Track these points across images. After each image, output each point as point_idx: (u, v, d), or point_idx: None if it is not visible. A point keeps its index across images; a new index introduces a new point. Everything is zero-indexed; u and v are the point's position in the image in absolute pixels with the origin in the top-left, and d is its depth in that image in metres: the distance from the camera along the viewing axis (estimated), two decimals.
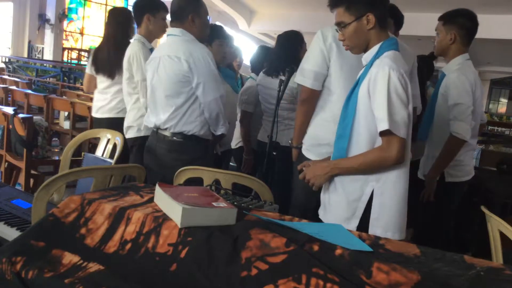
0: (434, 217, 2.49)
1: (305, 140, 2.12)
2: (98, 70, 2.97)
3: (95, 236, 1.17)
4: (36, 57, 12.88)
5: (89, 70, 3.08)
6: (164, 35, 2.64)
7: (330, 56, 1.98)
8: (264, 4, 14.32)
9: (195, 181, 1.92)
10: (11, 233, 1.67)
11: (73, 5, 14.41)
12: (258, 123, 3.09)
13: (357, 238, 1.19)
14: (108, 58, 2.89)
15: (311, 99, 2.05)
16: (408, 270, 0.96)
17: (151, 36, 2.75)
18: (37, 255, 1.12)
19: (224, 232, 1.12)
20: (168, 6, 2.40)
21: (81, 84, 9.97)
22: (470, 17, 2.37)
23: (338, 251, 1.05)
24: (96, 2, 15.12)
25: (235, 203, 1.38)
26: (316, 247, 1.07)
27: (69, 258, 1.11)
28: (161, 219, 1.17)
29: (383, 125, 1.50)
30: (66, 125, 5.07)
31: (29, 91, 6.02)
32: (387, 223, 1.61)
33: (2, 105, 5.77)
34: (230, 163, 3.40)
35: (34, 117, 3.27)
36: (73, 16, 14.56)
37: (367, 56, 1.65)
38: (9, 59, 11.80)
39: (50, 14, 13.29)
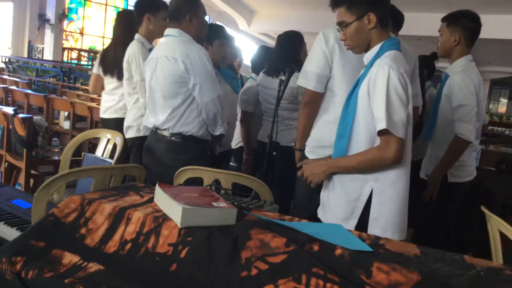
0: (435, 217, 2.49)
1: (308, 142, 2.11)
2: (106, 71, 2.97)
3: (95, 236, 1.17)
4: (36, 57, 12.89)
5: (96, 70, 3.08)
6: None
7: (333, 58, 1.97)
8: (264, 4, 14.32)
9: (195, 181, 1.92)
10: (11, 233, 1.67)
11: (73, 5, 14.42)
12: (259, 123, 3.09)
13: (357, 238, 1.19)
14: (116, 60, 2.89)
15: (314, 102, 2.05)
16: (408, 270, 0.96)
17: (152, 36, 2.74)
18: (37, 255, 1.12)
19: (224, 232, 1.12)
20: None
21: (81, 84, 9.99)
22: (474, 18, 2.37)
23: (338, 251, 1.05)
24: (96, 2, 15.13)
25: (235, 203, 1.38)
26: (316, 247, 1.07)
27: (69, 258, 1.11)
28: (161, 219, 1.17)
29: (381, 125, 1.50)
30: (66, 125, 5.07)
31: (29, 91, 6.02)
32: (386, 223, 1.61)
33: (2, 105, 5.78)
34: (230, 163, 3.41)
35: (34, 117, 3.27)
36: (73, 16, 14.57)
37: (368, 56, 1.65)
38: (9, 59, 11.80)
39: (50, 14, 13.29)
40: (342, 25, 1.64)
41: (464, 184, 2.46)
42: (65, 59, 13.80)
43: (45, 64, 11.49)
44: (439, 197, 2.40)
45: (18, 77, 9.33)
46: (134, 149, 2.71)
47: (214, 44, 2.76)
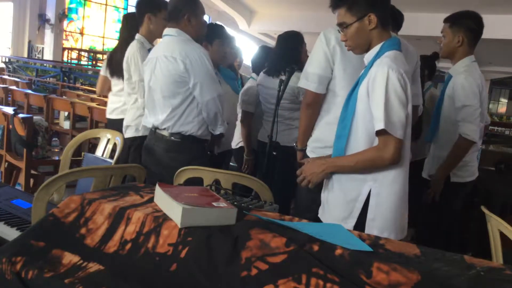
0: (437, 217, 2.50)
1: (309, 142, 2.11)
2: (113, 73, 2.97)
3: (95, 236, 1.17)
4: (36, 57, 12.89)
5: (103, 72, 3.09)
6: None
7: (334, 59, 1.97)
8: (264, 4, 14.32)
9: (195, 181, 1.92)
10: (11, 233, 1.67)
11: (73, 5, 14.41)
12: (259, 123, 3.09)
13: (357, 238, 1.19)
14: (122, 62, 2.89)
15: (315, 103, 2.04)
16: (408, 270, 0.97)
17: (152, 36, 2.74)
18: (37, 255, 1.12)
19: (224, 232, 1.12)
20: None
21: (81, 84, 9.99)
22: (477, 19, 2.38)
23: (338, 251, 1.05)
24: (96, 2, 15.12)
25: (235, 203, 1.38)
26: (316, 247, 1.07)
27: (69, 258, 1.11)
28: (161, 219, 1.17)
29: (379, 125, 1.50)
30: (66, 125, 5.07)
31: (29, 91, 6.02)
32: (383, 224, 1.61)
33: (2, 105, 5.77)
34: (230, 163, 3.40)
35: (34, 117, 3.27)
36: (73, 16, 14.56)
37: (368, 56, 1.65)
38: (9, 59, 11.80)
39: (50, 14, 13.29)
40: (342, 26, 1.64)
41: (466, 184, 2.47)
42: (65, 59, 13.80)
43: (45, 64, 11.49)
44: (441, 197, 2.41)
45: (18, 77, 9.33)
46: (132, 148, 2.71)
47: (214, 44, 2.76)
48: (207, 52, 2.28)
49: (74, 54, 14.39)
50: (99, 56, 14.41)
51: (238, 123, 3.18)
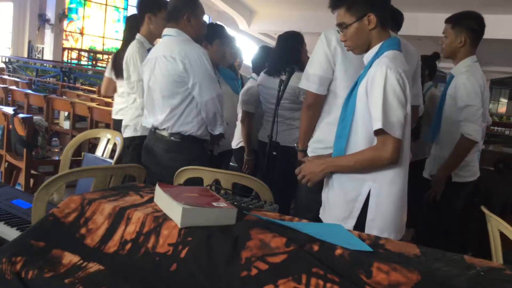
0: (437, 217, 2.50)
1: (310, 143, 2.11)
2: (117, 75, 2.97)
3: (95, 236, 1.17)
4: (36, 57, 12.90)
5: (108, 73, 3.09)
6: None
7: (335, 60, 1.96)
8: (264, 4, 14.32)
9: (195, 181, 1.92)
10: (11, 233, 1.67)
11: (73, 5, 14.42)
12: (259, 123, 3.09)
13: (357, 238, 1.19)
14: None
15: (316, 104, 2.04)
16: (408, 270, 0.96)
17: (152, 36, 2.74)
18: (37, 255, 1.12)
19: (224, 232, 1.12)
20: None
21: (81, 84, 10.00)
22: (479, 19, 2.38)
23: (338, 251, 1.05)
24: (96, 2, 15.12)
25: (235, 203, 1.38)
26: (316, 247, 1.07)
27: (69, 258, 1.11)
28: (161, 219, 1.17)
29: (377, 125, 1.50)
30: (66, 125, 5.07)
31: (29, 91, 6.02)
32: (383, 224, 1.61)
33: (2, 105, 5.78)
34: (230, 163, 3.41)
35: (34, 117, 3.27)
36: (73, 16, 14.57)
37: (367, 56, 1.65)
38: (9, 59, 11.81)
39: (50, 14, 13.30)
40: (342, 26, 1.64)
41: (467, 184, 2.47)
42: (65, 59, 13.81)
43: (45, 64, 11.50)
44: (443, 197, 2.41)
45: (18, 77, 9.34)
46: (131, 148, 2.71)
47: (214, 44, 2.75)
48: (207, 52, 2.28)
49: (74, 54, 14.40)
50: (99, 56, 14.43)
51: (239, 123, 3.18)
